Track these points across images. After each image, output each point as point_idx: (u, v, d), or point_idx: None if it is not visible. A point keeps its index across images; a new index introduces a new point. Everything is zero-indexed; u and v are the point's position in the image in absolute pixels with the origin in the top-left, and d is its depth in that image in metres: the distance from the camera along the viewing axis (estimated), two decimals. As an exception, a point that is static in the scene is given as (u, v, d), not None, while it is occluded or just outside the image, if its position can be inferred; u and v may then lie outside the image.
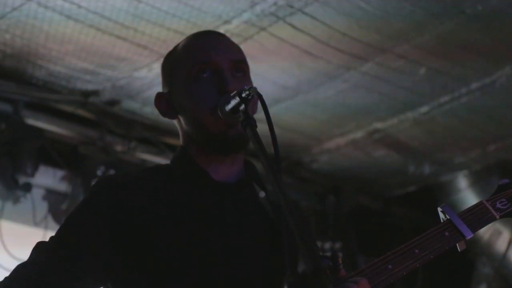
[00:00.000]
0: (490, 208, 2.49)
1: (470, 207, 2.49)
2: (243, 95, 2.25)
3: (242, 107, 2.26)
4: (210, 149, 2.43)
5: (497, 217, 2.49)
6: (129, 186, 2.35)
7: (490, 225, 2.51)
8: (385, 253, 2.30)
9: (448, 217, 2.42)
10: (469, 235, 2.39)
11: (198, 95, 2.41)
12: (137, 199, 2.32)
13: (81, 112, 5.88)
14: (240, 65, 2.47)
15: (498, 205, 2.51)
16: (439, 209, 2.46)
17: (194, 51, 2.49)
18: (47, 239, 2.34)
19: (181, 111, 2.48)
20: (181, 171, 2.44)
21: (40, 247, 2.32)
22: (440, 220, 2.45)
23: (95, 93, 5.72)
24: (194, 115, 2.43)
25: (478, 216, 2.46)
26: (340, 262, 2.09)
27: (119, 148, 6.09)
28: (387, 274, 2.26)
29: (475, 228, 2.42)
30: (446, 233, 2.38)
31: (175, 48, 2.58)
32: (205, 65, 2.43)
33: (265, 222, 2.41)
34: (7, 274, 2.28)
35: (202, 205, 2.36)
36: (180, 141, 2.54)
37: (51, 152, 5.84)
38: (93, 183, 5.75)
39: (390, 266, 2.27)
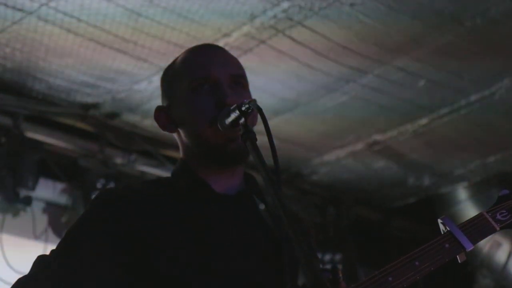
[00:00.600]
0: (490, 219, 2.46)
1: (470, 218, 2.46)
2: (243, 108, 2.25)
3: (242, 120, 2.26)
4: (210, 162, 2.43)
5: (497, 228, 2.46)
6: (130, 200, 2.35)
7: (489, 236, 2.50)
8: (385, 265, 2.29)
9: (448, 229, 2.39)
10: (469, 247, 2.37)
11: (197, 108, 2.41)
12: (137, 212, 2.31)
13: (81, 125, 5.89)
14: (239, 79, 2.47)
15: (498, 217, 2.48)
16: (439, 220, 2.43)
17: (194, 65, 2.49)
18: (47, 252, 2.34)
19: (180, 124, 2.48)
20: (181, 183, 2.44)
21: (40, 261, 2.31)
22: (440, 231, 2.43)
23: (95, 106, 5.73)
24: (193, 128, 2.43)
25: (478, 228, 2.43)
26: (340, 275, 2.09)
27: (119, 160, 6.10)
28: (387, 286, 2.24)
29: (475, 239, 2.39)
30: (447, 245, 2.36)
31: (174, 61, 2.58)
32: (204, 79, 2.43)
33: (265, 234, 2.41)
34: (7, 287, 2.27)
35: (202, 217, 2.36)
36: (180, 154, 2.54)
37: (51, 165, 5.84)
38: (93, 196, 5.81)
39: (390, 279, 2.25)
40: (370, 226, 7.60)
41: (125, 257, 2.26)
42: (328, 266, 2.09)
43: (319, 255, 6.98)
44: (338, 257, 7.08)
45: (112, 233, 2.28)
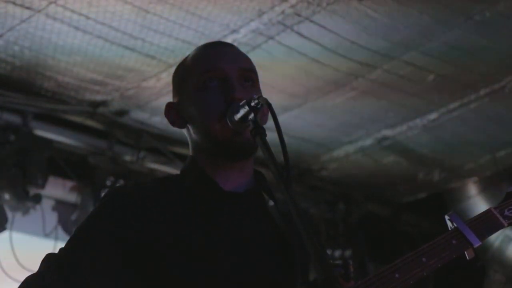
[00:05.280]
0: (498, 215, 2.47)
1: (478, 215, 2.46)
2: (252, 104, 2.24)
3: (251, 116, 2.25)
4: (217, 156, 2.42)
5: (506, 224, 2.47)
6: (139, 198, 2.34)
7: (500, 231, 2.49)
8: (395, 260, 2.30)
9: (456, 225, 2.40)
10: (476, 243, 2.37)
11: (205, 104, 2.41)
12: (147, 210, 2.31)
13: (89, 122, 5.90)
14: (248, 73, 2.46)
15: (507, 213, 2.48)
16: (446, 217, 2.44)
17: (202, 60, 2.48)
18: (57, 251, 2.34)
19: (189, 120, 2.47)
20: (190, 181, 2.44)
21: (49, 259, 2.31)
22: (448, 228, 2.43)
23: (103, 103, 5.73)
24: (201, 124, 2.42)
25: (486, 224, 2.44)
26: (352, 269, 2.08)
27: (128, 158, 6.10)
28: (394, 283, 2.24)
29: (483, 236, 2.40)
30: (454, 241, 2.36)
31: (185, 58, 2.57)
32: (212, 73, 2.42)
33: (274, 232, 2.41)
34: (17, 285, 2.27)
35: (212, 215, 2.35)
36: (189, 151, 2.53)
37: (60, 163, 5.85)
38: (102, 193, 5.83)
39: (397, 275, 2.25)
40: (380, 222, 7.59)
41: (134, 255, 2.26)
42: (339, 262, 2.08)
43: (329, 251, 6.99)
44: (348, 252, 7.08)
45: (122, 232, 2.28)
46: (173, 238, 2.28)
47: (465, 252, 2.39)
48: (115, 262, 2.27)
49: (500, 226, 2.46)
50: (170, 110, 2.53)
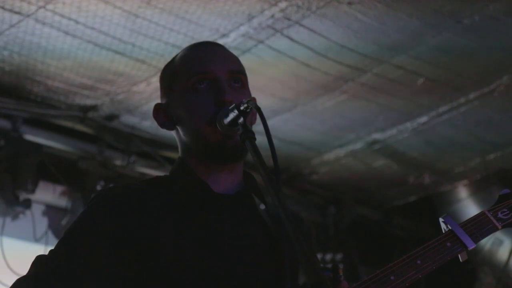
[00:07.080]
0: (492, 218, 2.48)
1: (472, 217, 2.47)
2: (242, 108, 2.24)
3: (241, 120, 2.25)
4: (208, 159, 2.41)
5: (499, 227, 2.48)
6: (129, 199, 2.33)
7: (491, 234, 2.50)
8: (386, 263, 2.29)
9: (450, 228, 2.40)
10: (471, 246, 2.38)
11: (195, 106, 2.40)
12: (136, 212, 2.30)
13: (80, 127, 5.89)
14: (238, 75, 2.45)
15: (500, 215, 2.49)
16: (440, 219, 2.44)
17: (192, 62, 2.47)
18: (47, 254, 2.33)
19: (179, 122, 2.47)
20: (180, 182, 2.43)
21: (39, 261, 2.29)
22: (441, 230, 2.44)
23: (93, 108, 5.73)
24: (191, 126, 2.42)
25: (480, 227, 2.45)
26: (341, 273, 2.08)
27: (118, 162, 6.09)
28: (389, 285, 2.25)
29: (477, 238, 2.41)
30: (448, 244, 2.37)
31: (173, 59, 2.56)
32: (202, 75, 2.41)
33: (265, 234, 2.40)
34: (7, 290, 2.26)
35: (201, 217, 2.34)
36: (179, 153, 2.52)
37: (51, 168, 5.83)
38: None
39: (392, 277, 2.26)
40: (371, 225, 7.59)
41: (123, 256, 2.25)
42: (329, 265, 2.08)
43: (320, 255, 6.98)
44: (339, 257, 7.08)
45: (111, 232, 2.27)
46: (165, 238, 2.27)
47: (459, 255, 2.40)
48: (108, 262, 2.25)
49: (494, 229, 2.47)
50: (159, 112, 2.52)
